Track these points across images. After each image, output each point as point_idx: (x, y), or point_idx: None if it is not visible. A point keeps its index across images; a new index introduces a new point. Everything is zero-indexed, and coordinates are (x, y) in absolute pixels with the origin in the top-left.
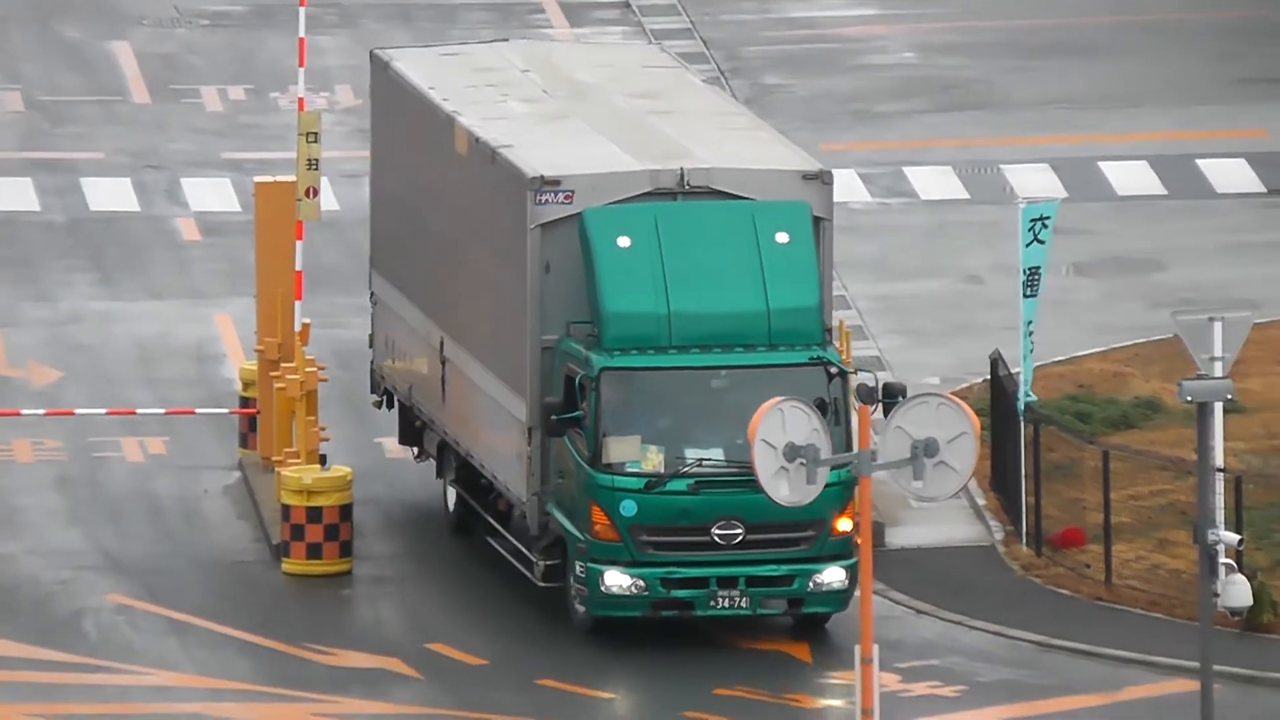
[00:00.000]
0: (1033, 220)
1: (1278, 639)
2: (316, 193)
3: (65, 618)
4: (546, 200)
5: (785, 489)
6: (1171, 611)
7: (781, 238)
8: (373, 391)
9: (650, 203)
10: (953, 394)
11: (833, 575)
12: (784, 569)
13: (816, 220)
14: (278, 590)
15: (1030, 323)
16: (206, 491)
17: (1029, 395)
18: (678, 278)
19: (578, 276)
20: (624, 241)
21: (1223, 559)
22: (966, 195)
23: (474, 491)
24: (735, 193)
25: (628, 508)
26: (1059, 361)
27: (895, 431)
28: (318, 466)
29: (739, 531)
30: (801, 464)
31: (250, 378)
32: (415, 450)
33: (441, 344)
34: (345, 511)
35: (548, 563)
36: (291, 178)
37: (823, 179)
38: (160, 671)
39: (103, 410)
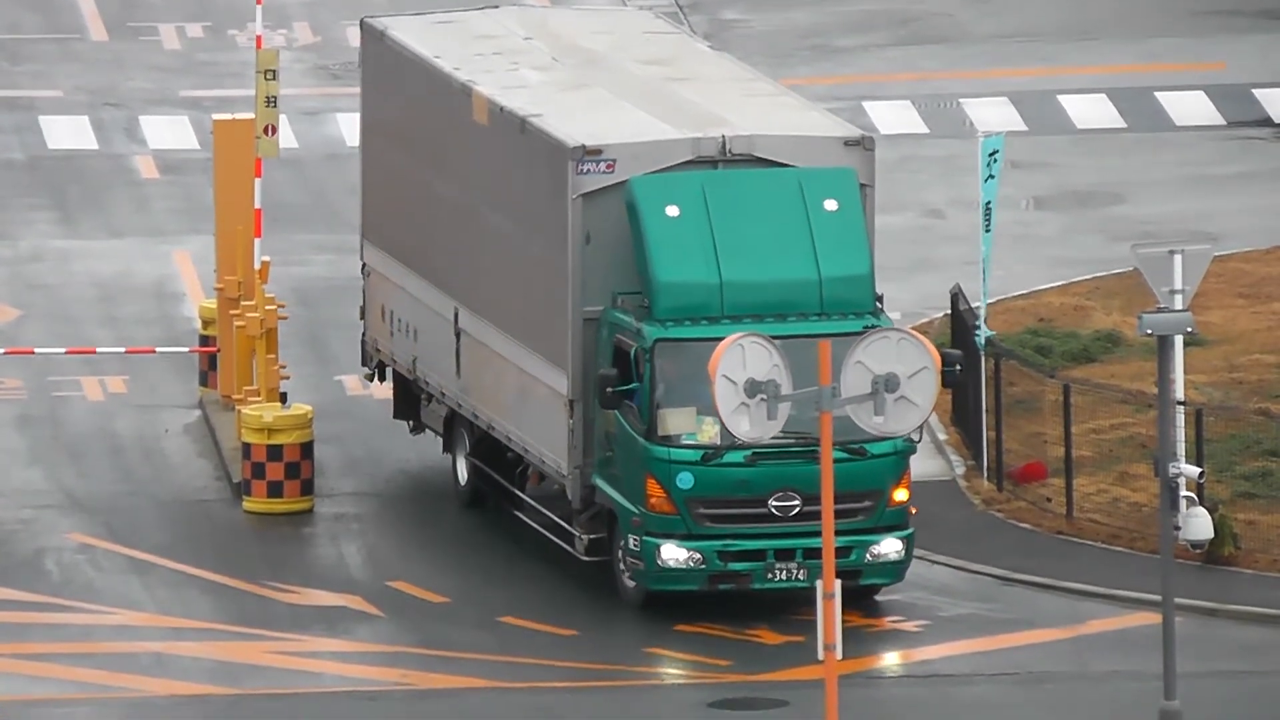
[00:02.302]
0: (990, 153)
1: (1239, 571)
2: (275, 130)
3: (27, 557)
4: (588, 170)
5: (746, 425)
6: (1133, 545)
7: (830, 205)
8: (364, 364)
9: (695, 171)
10: (913, 329)
11: (889, 546)
12: (841, 540)
13: (861, 187)
14: (239, 529)
15: (985, 258)
16: (167, 430)
17: (986, 330)
18: (728, 247)
19: (619, 247)
20: (673, 210)
21: (1184, 492)
22: (926, 129)
23: (495, 465)
24: (777, 160)
25: (684, 480)
26: (1019, 295)
27: (856, 367)
28: (278, 404)
29: (796, 503)
30: (762, 400)
31: (210, 316)
32: (410, 423)
33: (456, 316)
34: (306, 449)
35: (591, 536)
36: (250, 115)
37: (864, 145)
38: (122, 610)
39: (62, 349)
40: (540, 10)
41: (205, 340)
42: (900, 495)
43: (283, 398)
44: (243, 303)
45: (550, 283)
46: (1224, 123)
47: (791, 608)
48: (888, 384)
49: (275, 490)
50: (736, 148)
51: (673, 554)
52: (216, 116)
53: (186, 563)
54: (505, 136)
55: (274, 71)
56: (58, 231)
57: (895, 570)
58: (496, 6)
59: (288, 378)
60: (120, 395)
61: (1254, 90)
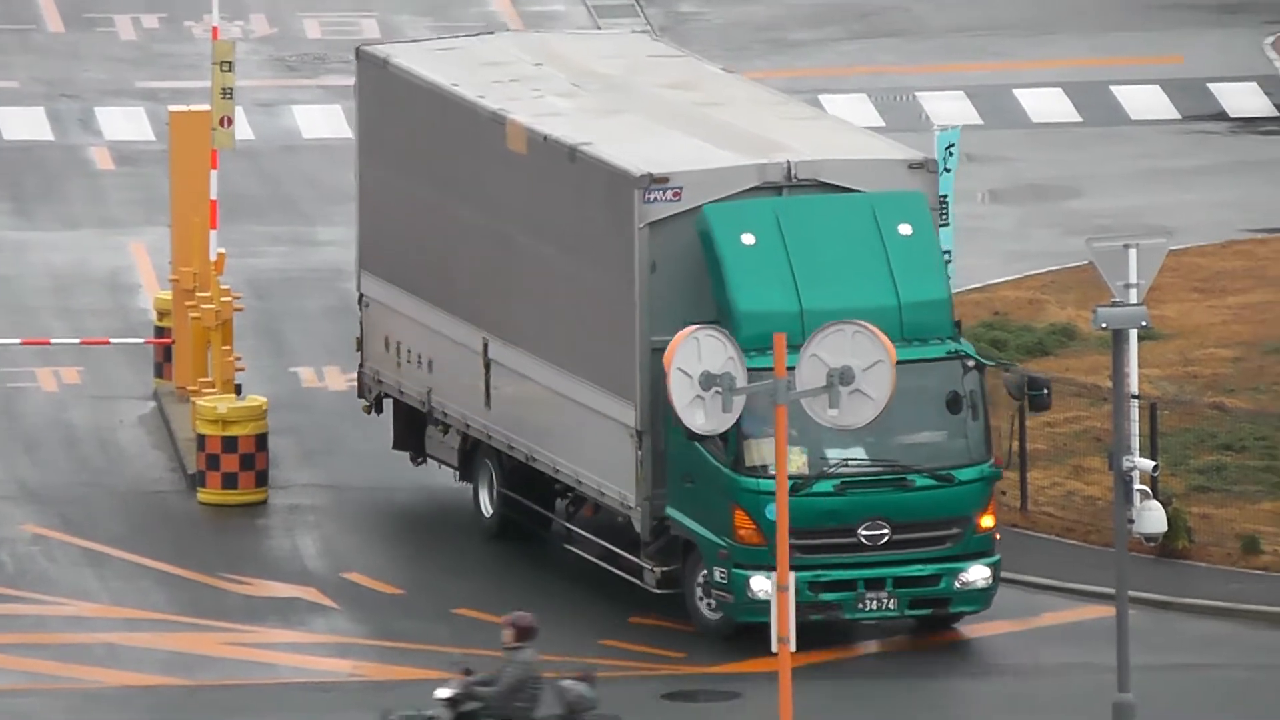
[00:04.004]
0: (946, 147)
1: (1192, 565)
2: (231, 122)
3: None
4: (655, 198)
5: (701, 418)
6: (1086, 538)
7: (904, 229)
8: (360, 395)
9: (767, 198)
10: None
11: (977, 573)
12: (930, 569)
13: None
14: (193, 520)
15: (947, 251)
16: (122, 421)
17: None
18: (806, 274)
19: (685, 275)
20: (748, 238)
21: (1137, 485)
22: (882, 123)
23: (532, 496)
24: (842, 184)
25: (774, 511)
26: (974, 289)
27: (811, 360)
28: (233, 396)
29: (885, 532)
30: (717, 392)
31: (165, 307)
32: (413, 455)
33: (485, 347)
34: (261, 441)
35: (664, 569)
36: (206, 107)
37: (927, 167)
38: (76, 601)
39: (17, 340)
40: (539, 36)
41: (160, 331)
42: (987, 521)
43: (238, 389)
44: (198, 294)
45: (612, 313)
46: (1179, 117)
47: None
48: (842, 377)
49: (230, 482)
50: (802, 173)
51: (763, 585)
52: (172, 108)
53: (141, 554)
54: (549, 165)
55: (230, 63)
56: (13, 223)
57: (983, 598)
58: (491, 32)
59: (243, 369)
60: (75, 386)
61: (1209, 84)
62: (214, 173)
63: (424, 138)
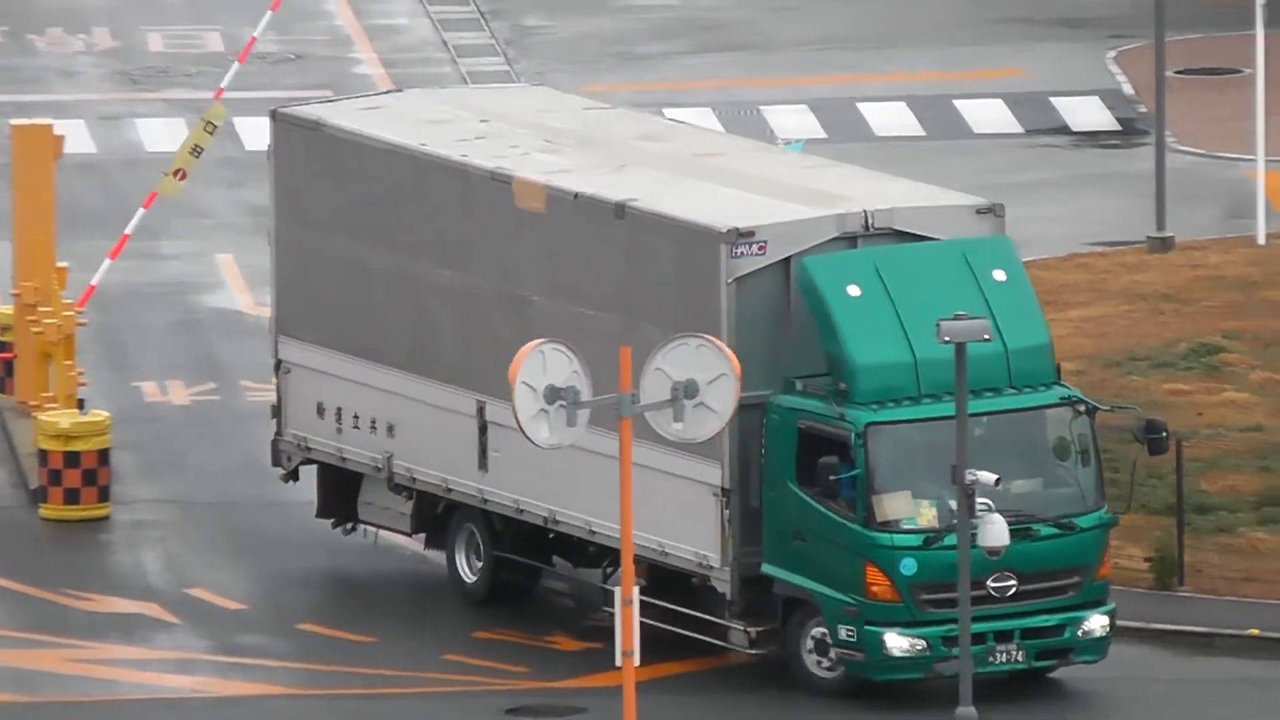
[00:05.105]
0: None
1: None
2: (185, 176)
3: None
4: (742, 253)
5: (545, 431)
6: None
7: (999, 275)
8: (276, 464)
9: (863, 248)
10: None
11: (1096, 622)
12: (1054, 619)
13: None
14: (35, 536)
15: None
16: None
17: None
18: (914, 324)
19: (764, 329)
20: (854, 290)
21: (979, 499)
22: None
23: (538, 557)
24: (915, 232)
25: (908, 566)
26: None
27: (655, 373)
28: (75, 411)
29: (1013, 583)
30: (562, 406)
31: (7, 321)
32: (338, 522)
33: (481, 410)
34: (103, 456)
35: (760, 629)
36: (49, 121)
37: (995, 212)
38: None
39: None
40: (452, 91)
41: (2, 346)
42: (1104, 569)
43: (80, 404)
44: (40, 309)
45: None
46: (1022, 131)
47: (588, 614)
48: (687, 390)
49: (72, 497)
50: (878, 222)
51: (897, 642)
52: (14, 121)
53: None
54: (583, 223)
55: (215, 126)
56: None
57: (1100, 646)
58: (400, 90)
59: (85, 384)
60: None
61: (1052, 98)
62: (142, 211)
63: (381, 201)
